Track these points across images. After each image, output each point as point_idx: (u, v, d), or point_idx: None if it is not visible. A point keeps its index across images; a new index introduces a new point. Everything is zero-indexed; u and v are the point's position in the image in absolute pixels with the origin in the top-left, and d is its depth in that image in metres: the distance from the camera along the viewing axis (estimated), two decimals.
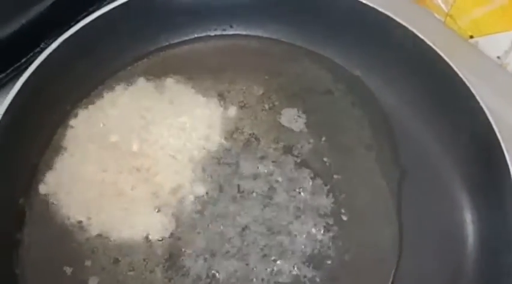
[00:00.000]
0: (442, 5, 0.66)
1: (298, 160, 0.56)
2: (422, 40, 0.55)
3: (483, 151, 0.53)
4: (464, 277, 0.51)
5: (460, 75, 0.53)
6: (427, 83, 0.56)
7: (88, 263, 0.51)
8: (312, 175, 0.55)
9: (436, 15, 0.67)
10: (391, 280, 0.51)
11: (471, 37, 0.65)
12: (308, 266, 0.52)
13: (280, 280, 0.51)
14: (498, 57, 0.64)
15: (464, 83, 0.53)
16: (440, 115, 0.56)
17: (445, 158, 0.56)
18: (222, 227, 0.53)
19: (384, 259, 0.52)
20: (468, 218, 0.54)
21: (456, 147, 0.55)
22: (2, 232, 0.50)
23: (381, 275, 0.52)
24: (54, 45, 0.54)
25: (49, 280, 0.51)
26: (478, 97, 0.52)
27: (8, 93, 0.52)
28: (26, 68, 0.54)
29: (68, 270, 0.51)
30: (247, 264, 0.52)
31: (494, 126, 0.51)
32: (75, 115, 0.57)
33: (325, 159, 0.56)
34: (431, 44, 0.54)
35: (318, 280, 0.51)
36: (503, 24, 0.63)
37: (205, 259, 0.51)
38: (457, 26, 0.66)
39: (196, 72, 0.60)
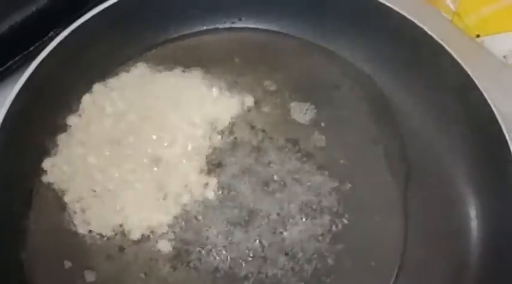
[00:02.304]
0: (450, 4, 0.66)
1: (305, 153, 0.56)
2: (431, 37, 0.55)
3: (489, 148, 0.53)
4: (468, 272, 0.52)
5: (469, 73, 0.53)
6: (435, 80, 0.57)
7: (92, 251, 0.52)
8: (318, 168, 0.56)
9: (443, 13, 0.67)
10: (395, 273, 0.52)
11: (478, 36, 0.66)
12: (313, 259, 0.52)
13: (280, 272, 0.52)
14: (504, 57, 0.65)
15: (473, 81, 0.53)
16: (447, 112, 0.57)
17: (451, 154, 0.56)
18: (229, 219, 0.53)
19: (388, 253, 0.53)
20: (472, 214, 0.54)
21: (462, 143, 0.56)
22: (9, 216, 0.51)
23: (385, 269, 0.52)
24: (64, 33, 0.54)
25: (52, 267, 0.51)
26: (486, 95, 0.52)
27: (17, 80, 0.52)
28: (35, 56, 0.54)
29: (68, 262, 0.51)
30: (261, 256, 0.52)
31: (501, 124, 0.52)
32: (83, 103, 0.57)
33: (332, 153, 0.57)
34: (441, 42, 0.54)
35: (321, 272, 0.52)
36: (510, 23, 0.63)
37: (211, 250, 0.52)
38: (464, 24, 0.66)
39: (205, 64, 0.60)
